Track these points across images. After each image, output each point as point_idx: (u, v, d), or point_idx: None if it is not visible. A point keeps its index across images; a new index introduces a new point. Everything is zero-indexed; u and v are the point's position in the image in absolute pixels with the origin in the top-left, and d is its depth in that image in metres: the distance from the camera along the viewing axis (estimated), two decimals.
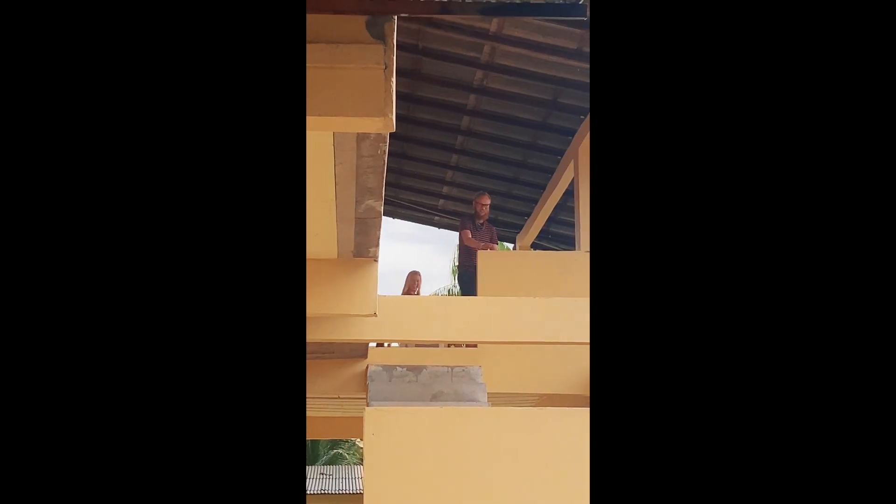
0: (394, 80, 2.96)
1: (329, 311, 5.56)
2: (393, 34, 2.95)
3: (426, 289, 10.06)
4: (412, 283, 9.58)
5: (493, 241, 8.94)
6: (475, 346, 8.31)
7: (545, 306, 6.86)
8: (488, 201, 8.94)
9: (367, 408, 5.78)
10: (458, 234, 9.35)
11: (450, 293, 19.77)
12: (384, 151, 3.86)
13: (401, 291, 9.50)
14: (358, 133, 3.65)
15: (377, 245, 5.25)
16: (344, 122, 2.98)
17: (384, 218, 13.35)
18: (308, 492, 19.26)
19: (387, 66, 2.92)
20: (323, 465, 22.86)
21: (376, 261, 5.53)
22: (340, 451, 23.11)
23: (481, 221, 8.87)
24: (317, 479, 21.46)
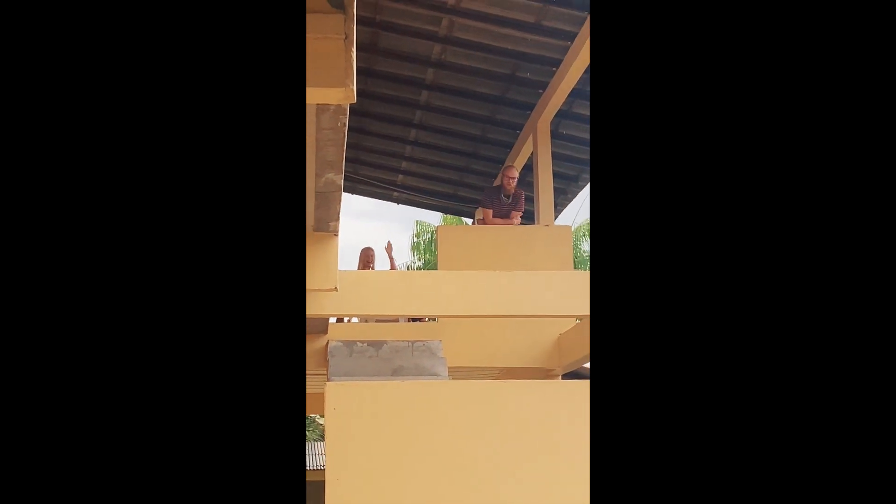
0: (354, 50, 2.93)
1: None
2: (353, 4, 2.91)
3: (386, 265, 10.03)
4: (367, 259, 9.55)
5: (519, 209, 8.66)
6: (435, 320, 8.32)
7: (505, 280, 6.88)
8: (516, 174, 8.67)
9: (328, 382, 5.76)
10: (477, 210, 9.08)
11: (408, 269, 19.77)
12: (344, 124, 3.82)
13: (356, 268, 9.46)
14: (318, 105, 3.61)
15: (337, 219, 5.22)
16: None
17: (344, 195, 13.28)
18: None
19: (347, 37, 2.89)
20: None
21: (336, 235, 5.49)
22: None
23: (508, 194, 8.62)
24: None
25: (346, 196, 13.05)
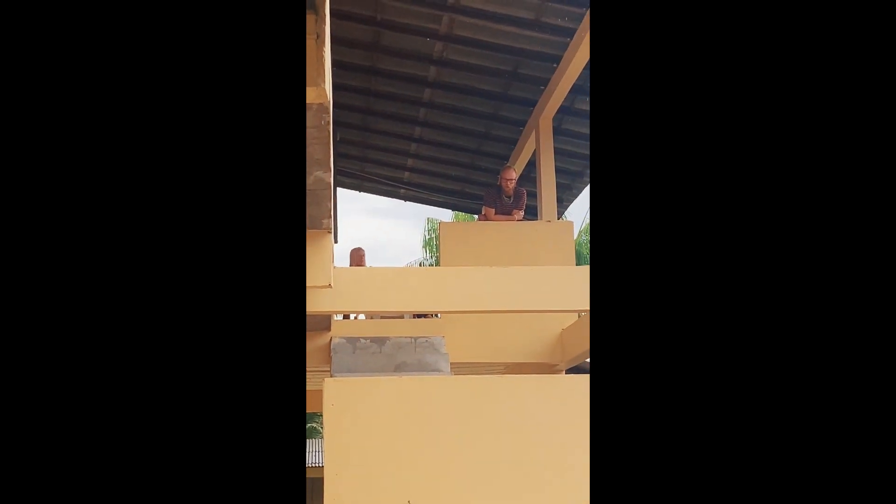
0: (327, 49, 2.97)
1: None
2: (325, 4, 2.95)
3: (403, 263, 10.13)
4: (357, 259, 9.65)
5: (520, 207, 8.63)
6: (438, 316, 8.35)
7: (503, 275, 6.89)
8: (514, 175, 8.61)
9: (326, 379, 5.80)
10: (482, 209, 9.08)
11: (420, 266, 19.80)
12: (328, 122, 3.86)
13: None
14: None
15: (330, 216, 5.25)
16: None
17: (357, 193, 13.19)
18: None
19: (318, 36, 2.93)
20: None
21: (330, 232, 5.53)
22: (314, 425, 23.18)
23: (509, 195, 8.59)
24: None
25: (356, 194, 13.13)
